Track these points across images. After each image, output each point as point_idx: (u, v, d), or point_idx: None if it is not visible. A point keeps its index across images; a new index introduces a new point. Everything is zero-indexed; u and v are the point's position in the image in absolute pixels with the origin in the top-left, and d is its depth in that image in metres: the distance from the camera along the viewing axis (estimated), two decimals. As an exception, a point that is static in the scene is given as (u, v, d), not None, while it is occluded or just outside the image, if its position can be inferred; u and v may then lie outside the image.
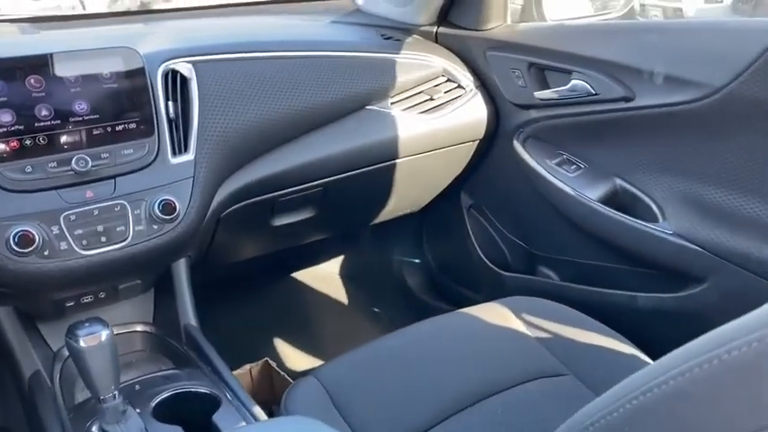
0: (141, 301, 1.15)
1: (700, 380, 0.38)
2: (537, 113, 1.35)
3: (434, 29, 1.51)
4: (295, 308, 1.83)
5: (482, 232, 1.60)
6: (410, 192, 1.50)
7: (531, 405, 0.95)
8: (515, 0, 1.51)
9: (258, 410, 0.91)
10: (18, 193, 0.89)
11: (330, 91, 1.23)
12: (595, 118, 1.24)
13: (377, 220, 1.54)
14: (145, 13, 1.51)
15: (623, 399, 0.42)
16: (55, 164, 0.91)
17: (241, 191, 1.15)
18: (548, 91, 1.30)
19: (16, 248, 0.87)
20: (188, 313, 1.10)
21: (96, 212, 0.93)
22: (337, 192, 1.31)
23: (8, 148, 0.89)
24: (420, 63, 1.37)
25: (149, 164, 0.98)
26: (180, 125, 1.04)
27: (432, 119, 1.36)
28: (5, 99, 0.89)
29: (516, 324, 1.10)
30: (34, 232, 0.88)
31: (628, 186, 1.24)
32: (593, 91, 1.22)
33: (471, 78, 1.43)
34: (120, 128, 0.96)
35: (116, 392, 0.84)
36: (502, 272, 1.54)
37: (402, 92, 1.34)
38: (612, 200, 1.25)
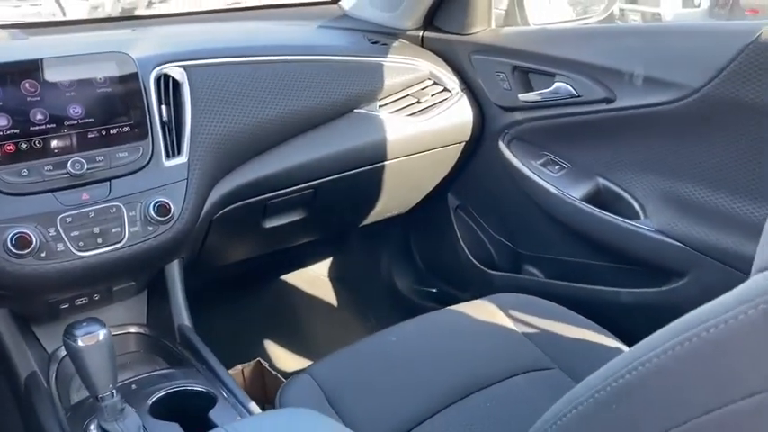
0: (135, 303, 1.16)
1: (681, 356, 0.41)
2: (521, 115, 1.38)
3: (420, 33, 1.54)
4: (286, 309, 1.84)
5: (469, 232, 1.63)
6: (398, 193, 1.52)
7: (519, 398, 0.98)
8: (499, 5, 1.54)
9: (254, 406, 0.92)
10: (15, 196, 0.90)
11: (319, 94, 1.25)
12: (578, 119, 1.28)
13: (365, 222, 1.56)
14: (135, 18, 1.52)
15: (610, 378, 0.45)
16: (51, 167, 0.93)
17: (233, 193, 1.17)
18: (531, 93, 1.34)
19: (13, 250, 0.88)
20: (182, 314, 1.11)
21: (92, 214, 0.94)
22: (327, 193, 1.33)
23: (4, 152, 0.90)
24: (407, 67, 1.40)
25: (143, 167, 1.00)
26: (173, 128, 1.05)
27: (419, 121, 1.38)
28: (0, 104, 0.90)
29: (504, 320, 1.13)
30: (31, 234, 0.89)
31: (610, 185, 1.27)
32: (575, 93, 1.25)
33: (457, 81, 1.46)
34: (114, 131, 0.98)
35: (114, 390, 0.85)
36: (489, 271, 1.57)
37: (390, 95, 1.37)
38: (595, 198, 1.28)
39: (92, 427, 0.89)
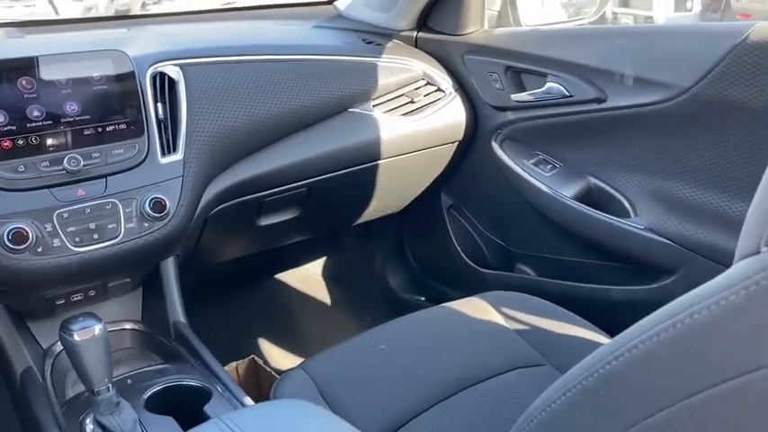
0: (130, 300, 1.17)
1: (666, 342, 0.42)
2: (514, 115, 1.40)
3: (414, 34, 1.55)
4: (280, 308, 1.85)
5: (462, 231, 1.64)
6: (392, 192, 1.53)
7: (510, 393, 0.99)
8: (492, 6, 1.55)
9: (249, 401, 0.93)
10: (11, 192, 0.91)
11: (314, 93, 1.26)
12: (569, 119, 1.29)
13: (359, 221, 1.57)
14: (130, 18, 1.53)
15: (597, 364, 0.46)
16: (47, 163, 0.93)
17: (228, 190, 1.17)
18: (524, 93, 1.35)
19: (10, 245, 0.89)
20: (177, 310, 1.12)
21: (88, 210, 0.95)
22: (321, 192, 1.34)
23: (1, 149, 0.91)
24: (401, 67, 1.41)
25: (139, 163, 1.01)
26: (169, 126, 1.06)
27: (412, 121, 1.39)
28: None
29: (496, 317, 1.14)
30: (28, 230, 0.90)
31: (601, 184, 1.29)
32: (567, 93, 1.27)
33: (450, 82, 1.47)
34: (110, 128, 0.99)
35: (110, 385, 0.86)
36: (482, 269, 1.58)
37: (384, 95, 1.38)
38: (587, 197, 1.30)
39: (87, 421, 0.89)
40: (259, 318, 1.78)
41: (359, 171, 1.36)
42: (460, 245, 1.64)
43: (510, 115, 1.41)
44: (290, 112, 1.23)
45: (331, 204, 1.46)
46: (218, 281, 1.66)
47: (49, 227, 0.92)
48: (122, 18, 1.53)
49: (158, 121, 1.05)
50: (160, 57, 1.10)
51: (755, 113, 1.01)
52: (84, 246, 0.95)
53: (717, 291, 0.40)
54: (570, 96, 1.26)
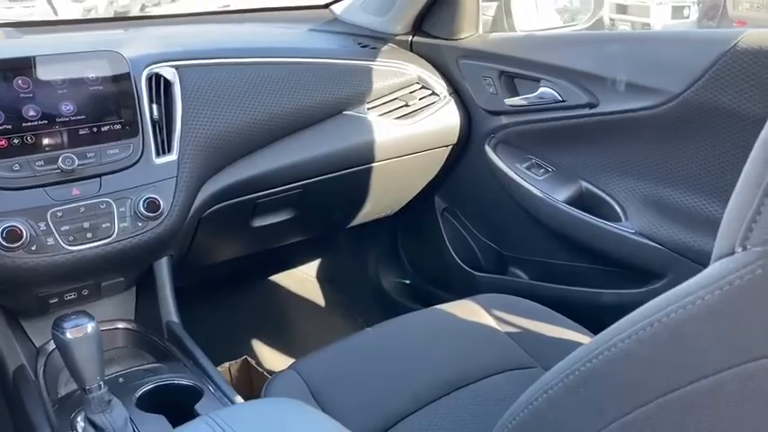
0: (123, 299, 1.18)
1: (644, 340, 0.43)
2: (507, 119, 1.41)
3: (410, 38, 1.56)
4: (274, 309, 1.86)
5: (455, 234, 1.65)
6: (386, 195, 1.54)
7: (501, 395, 0.99)
8: (487, 11, 1.57)
9: (240, 400, 0.94)
10: (6, 191, 0.92)
11: (309, 96, 1.27)
12: (562, 123, 1.30)
13: (353, 223, 1.57)
14: (127, 19, 1.54)
15: (578, 363, 0.47)
16: (42, 162, 0.94)
17: (222, 191, 1.18)
18: (517, 98, 1.36)
19: (4, 243, 0.89)
20: (170, 310, 1.13)
21: (82, 209, 0.96)
22: (315, 194, 1.35)
23: None
24: (396, 70, 1.42)
25: (134, 163, 1.01)
26: (163, 127, 1.07)
27: (407, 124, 1.40)
28: None
29: (487, 320, 1.14)
30: (22, 228, 0.90)
31: (592, 188, 1.30)
32: (559, 98, 1.28)
33: (445, 86, 1.48)
34: (105, 129, 0.99)
35: (101, 383, 0.86)
36: (475, 273, 1.59)
37: (378, 98, 1.39)
38: (578, 201, 1.31)
39: (79, 419, 0.90)
40: (253, 319, 1.78)
41: (353, 173, 1.37)
42: (454, 248, 1.64)
43: (503, 119, 1.42)
44: (284, 115, 1.24)
45: (325, 206, 1.47)
46: (212, 282, 1.67)
47: (42, 225, 0.93)
48: (119, 20, 1.54)
49: (153, 122, 1.06)
50: (156, 58, 1.11)
51: (745, 119, 1.02)
52: (78, 245, 0.95)
53: (693, 290, 0.41)
54: (563, 101, 1.27)
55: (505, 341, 1.10)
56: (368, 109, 1.37)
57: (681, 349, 0.42)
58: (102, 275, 1.06)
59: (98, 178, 0.98)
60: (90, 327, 0.84)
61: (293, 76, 1.26)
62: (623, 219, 1.24)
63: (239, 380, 1.32)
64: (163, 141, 1.06)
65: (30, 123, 0.94)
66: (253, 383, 1.32)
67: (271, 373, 1.31)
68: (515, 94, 1.38)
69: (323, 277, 1.96)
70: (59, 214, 0.94)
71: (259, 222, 1.34)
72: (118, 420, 0.87)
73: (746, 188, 0.39)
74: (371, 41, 1.53)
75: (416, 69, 1.46)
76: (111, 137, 1.00)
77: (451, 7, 1.47)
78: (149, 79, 1.08)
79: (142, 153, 1.02)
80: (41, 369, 1.04)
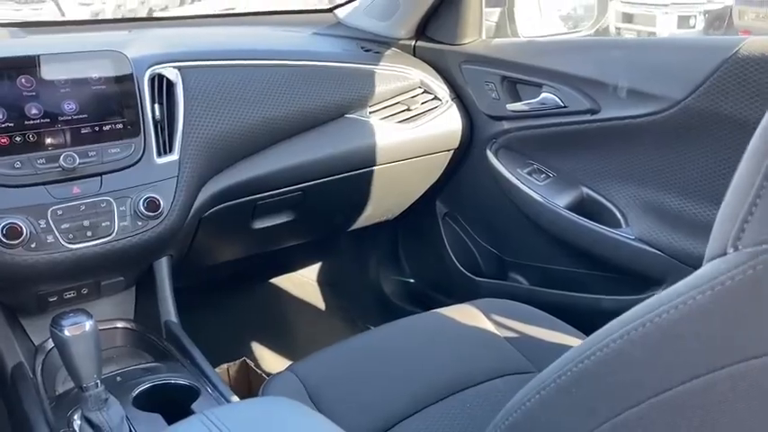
0: (123, 299, 1.18)
1: (635, 341, 0.43)
2: (509, 125, 1.41)
3: (413, 42, 1.57)
4: (274, 312, 1.86)
5: (456, 239, 1.65)
6: (387, 198, 1.54)
7: (498, 400, 0.99)
8: (490, 17, 1.57)
9: (236, 399, 0.94)
10: (7, 188, 0.92)
11: (311, 99, 1.27)
12: (563, 129, 1.30)
13: (354, 227, 1.57)
14: (132, 21, 1.55)
15: (570, 363, 0.47)
16: (43, 160, 0.95)
17: (223, 192, 1.18)
18: (519, 103, 1.36)
19: (4, 240, 0.90)
20: (169, 310, 1.13)
21: (83, 208, 0.96)
22: (316, 196, 1.35)
23: None
24: (398, 75, 1.43)
25: (135, 163, 1.02)
26: (165, 127, 1.07)
27: (409, 128, 1.41)
28: None
29: (486, 324, 1.14)
30: (22, 225, 0.91)
31: (593, 194, 1.30)
32: (561, 103, 1.28)
33: (447, 90, 1.48)
34: (107, 128, 1.00)
35: (98, 381, 0.86)
36: (475, 278, 1.59)
37: (380, 102, 1.39)
38: (579, 207, 1.31)
39: (76, 416, 0.90)
40: (253, 321, 1.78)
41: (354, 176, 1.37)
42: (455, 253, 1.64)
43: (505, 124, 1.42)
44: (286, 117, 1.24)
45: (326, 209, 1.47)
46: (212, 283, 1.67)
47: (43, 223, 0.93)
48: (124, 21, 1.55)
49: (155, 122, 1.06)
50: (159, 59, 1.12)
51: (746, 126, 1.02)
52: (78, 243, 0.95)
53: (684, 291, 0.41)
54: (564, 107, 1.28)
55: (504, 346, 1.10)
56: (370, 112, 1.37)
57: (673, 349, 0.42)
58: (101, 274, 1.06)
59: (99, 177, 0.99)
60: (88, 325, 0.84)
61: (296, 78, 1.26)
62: (623, 225, 1.24)
63: (237, 381, 1.32)
64: (164, 141, 1.06)
65: (32, 121, 0.94)
66: (251, 385, 1.32)
67: (269, 375, 1.31)
68: (517, 99, 1.38)
69: (323, 280, 1.96)
70: (60, 212, 0.94)
71: (259, 224, 1.34)
72: (114, 418, 0.87)
73: (738, 190, 0.39)
74: (375, 45, 1.54)
75: (419, 74, 1.46)
76: (112, 136, 1.00)
77: (455, 13, 1.47)
78: (152, 79, 1.08)
79: (143, 153, 1.03)
80: (39, 367, 1.04)
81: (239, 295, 1.80)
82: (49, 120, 0.95)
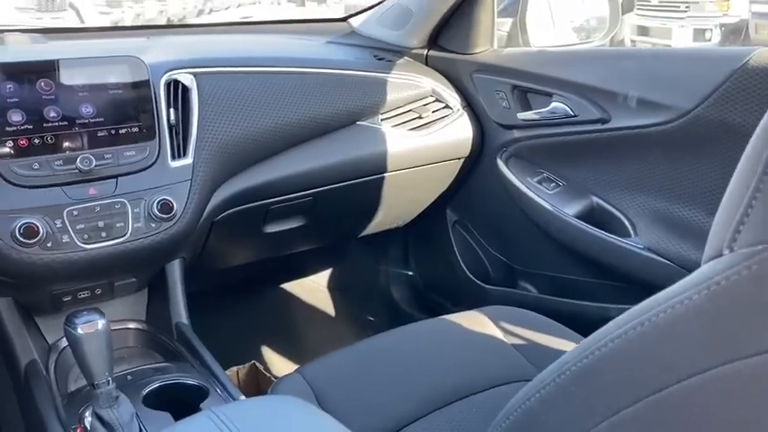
0: (135, 300, 1.20)
1: (633, 340, 0.44)
2: (519, 133, 1.42)
3: (425, 52, 1.59)
4: (284, 317, 1.87)
5: (466, 247, 1.65)
6: (397, 205, 1.55)
7: (504, 406, 0.99)
8: (502, 27, 1.58)
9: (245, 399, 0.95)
10: (25, 188, 0.95)
11: (323, 105, 1.29)
12: (574, 138, 1.31)
13: (364, 233, 1.59)
14: (150, 28, 1.57)
15: (570, 363, 0.48)
16: (61, 162, 0.97)
17: (235, 197, 1.20)
18: (530, 112, 1.37)
19: (21, 239, 0.92)
20: (180, 312, 1.14)
21: (98, 209, 0.98)
22: (327, 202, 1.37)
23: (17, 146, 0.94)
24: (410, 83, 1.44)
25: (150, 166, 1.04)
26: (180, 131, 1.09)
27: (420, 136, 1.42)
28: (17, 100, 0.95)
29: (494, 331, 1.14)
30: (38, 225, 0.93)
31: (603, 203, 1.30)
32: (571, 113, 1.29)
33: (458, 99, 1.49)
34: (123, 131, 1.02)
35: (109, 379, 0.88)
36: (484, 285, 1.60)
37: (392, 109, 1.41)
38: (589, 216, 1.31)
39: (87, 413, 0.91)
40: (263, 325, 1.79)
41: (365, 183, 1.39)
42: (464, 260, 1.65)
43: (516, 133, 1.43)
44: (299, 123, 1.26)
45: (336, 215, 1.48)
46: (224, 287, 1.68)
47: (59, 223, 0.95)
48: (142, 28, 1.58)
49: (170, 126, 1.08)
50: (175, 65, 1.14)
51: (755, 137, 1.02)
52: (92, 243, 0.97)
53: (681, 291, 0.42)
54: (575, 116, 1.28)
55: (511, 353, 1.10)
56: (381, 120, 1.39)
57: (669, 348, 0.42)
58: (114, 274, 1.08)
59: (114, 179, 1.01)
60: (101, 323, 0.86)
61: (309, 85, 1.28)
62: (632, 234, 1.24)
63: (246, 384, 1.33)
64: (179, 145, 1.08)
65: (50, 124, 0.97)
66: (260, 388, 1.33)
67: (278, 378, 1.32)
68: (528, 108, 1.39)
69: (333, 286, 1.97)
70: (75, 213, 0.96)
71: (271, 228, 1.36)
72: (124, 416, 0.88)
73: (734, 193, 0.40)
74: (387, 54, 1.55)
75: (430, 82, 1.47)
76: (128, 139, 1.02)
77: (467, 23, 1.49)
78: (168, 85, 1.11)
79: (158, 156, 1.05)
80: (53, 365, 1.06)
81: (251, 299, 1.81)
82: (66, 123, 0.98)
